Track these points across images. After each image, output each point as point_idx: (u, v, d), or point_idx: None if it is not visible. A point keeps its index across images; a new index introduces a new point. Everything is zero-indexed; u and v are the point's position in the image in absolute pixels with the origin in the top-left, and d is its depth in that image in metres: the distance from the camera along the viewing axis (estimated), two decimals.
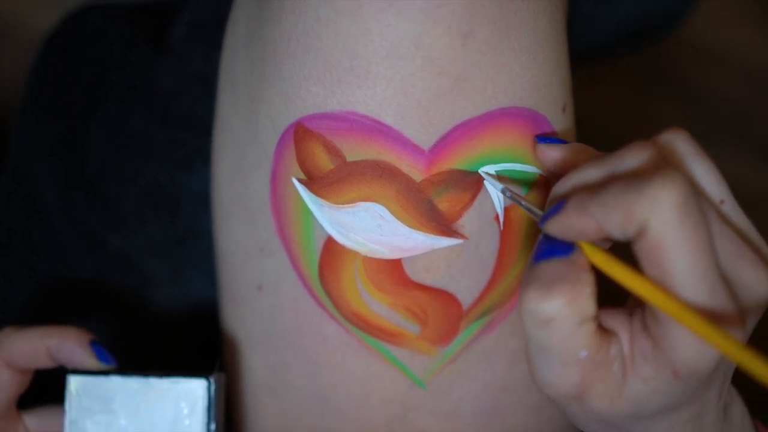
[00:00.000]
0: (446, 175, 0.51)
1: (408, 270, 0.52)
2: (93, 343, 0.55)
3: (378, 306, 0.53)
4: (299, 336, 0.56)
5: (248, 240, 0.56)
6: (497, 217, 0.52)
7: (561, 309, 0.43)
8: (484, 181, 0.51)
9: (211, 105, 0.62)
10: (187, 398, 0.55)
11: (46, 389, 0.58)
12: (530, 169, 0.52)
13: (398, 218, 0.51)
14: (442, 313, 0.53)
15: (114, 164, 0.67)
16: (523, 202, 0.49)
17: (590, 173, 0.46)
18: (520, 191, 0.52)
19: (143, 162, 0.67)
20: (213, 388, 0.55)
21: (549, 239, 0.45)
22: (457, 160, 0.51)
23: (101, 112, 0.68)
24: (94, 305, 0.67)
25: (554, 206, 0.45)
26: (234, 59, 0.56)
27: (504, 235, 0.53)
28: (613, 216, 0.42)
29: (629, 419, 0.45)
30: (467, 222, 0.52)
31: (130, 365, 0.58)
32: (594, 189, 0.44)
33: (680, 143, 0.46)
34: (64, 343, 0.55)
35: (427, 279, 0.53)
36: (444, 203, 0.51)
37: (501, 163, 0.51)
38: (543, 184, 0.53)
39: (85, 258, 0.67)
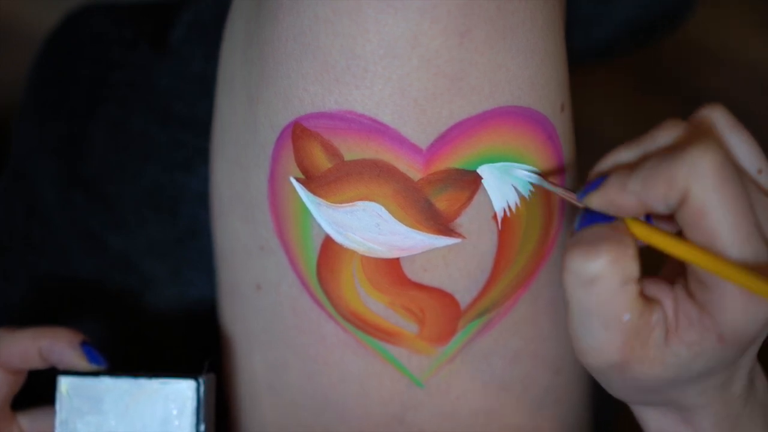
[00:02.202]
0: (444, 174, 0.51)
1: (406, 269, 0.52)
2: (84, 344, 0.55)
3: (376, 305, 0.53)
4: (298, 335, 0.56)
5: (247, 239, 0.56)
6: (495, 216, 0.52)
7: (606, 267, 0.43)
8: (482, 181, 0.51)
9: (211, 105, 0.62)
10: (176, 399, 0.55)
11: (42, 389, 0.58)
12: (528, 168, 0.52)
13: (396, 217, 0.51)
14: (440, 312, 0.53)
15: (114, 164, 0.67)
16: (556, 187, 0.50)
17: (626, 153, 0.47)
18: (517, 199, 0.52)
19: (143, 162, 0.67)
20: (202, 389, 0.55)
21: (588, 214, 0.46)
22: (455, 159, 0.51)
23: (101, 112, 0.68)
24: (94, 305, 0.68)
25: (593, 181, 0.46)
26: (232, 59, 0.56)
27: (502, 235, 0.53)
28: (654, 188, 0.43)
29: (667, 384, 0.46)
30: (465, 221, 0.52)
31: (128, 365, 0.58)
32: (632, 165, 0.45)
33: (716, 116, 0.47)
34: (55, 344, 0.55)
35: (425, 278, 0.53)
36: (442, 202, 0.51)
37: (499, 162, 0.51)
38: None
39: (85, 258, 0.67)
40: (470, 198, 0.51)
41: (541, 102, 0.52)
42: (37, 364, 0.55)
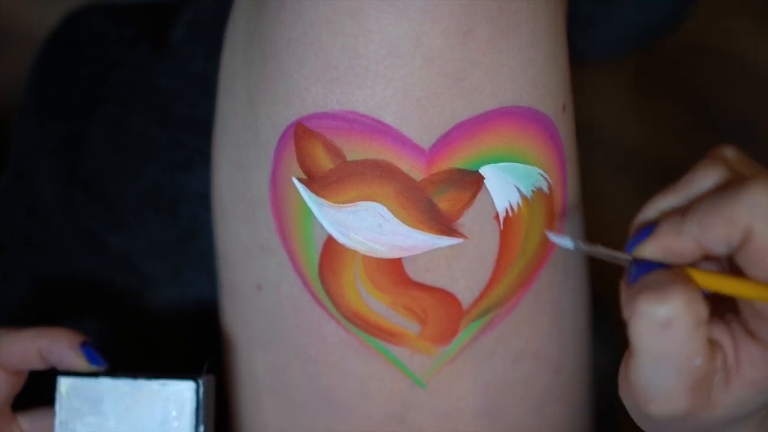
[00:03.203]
0: (446, 175, 0.51)
1: (408, 269, 0.53)
2: (84, 345, 0.55)
3: (378, 305, 0.53)
4: (299, 335, 0.56)
5: (248, 239, 0.56)
6: (497, 216, 0.52)
7: (680, 309, 0.42)
8: (485, 181, 0.51)
9: (211, 105, 0.62)
10: (175, 400, 0.55)
11: (43, 390, 0.58)
12: (531, 168, 0.52)
13: (398, 217, 0.51)
14: (442, 312, 0.53)
15: (114, 164, 0.67)
16: (604, 249, 0.48)
17: (669, 200, 0.47)
18: (519, 198, 0.52)
19: (143, 162, 0.67)
20: (201, 390, 0.55)
21: (640, 265, 0.45)
22: (457, 160, 0.51)
23: (101, 112, 0.68)
24: (94, 305, 0.68)
25: (642, 230, 0.46)
26: (233, 60, 0.56)
27: (504, 235, 0.53)
28: (713, 229, 0.43)
29: (721, 424, 0.46)
30: (467, 221, 0.52)
31: (128, 366, 0.58)
32: (682, 211, 0.45)
33: (733, 155, 0.47)
34: (55, 345, 0.55)
35: (427, 278, 0.53)
36: (444, 202, 0.51)
37: (501, 162, 0.51)
38: (546, 186, 0.53)
39: (85, 258, 0.67)
40: (472, 198, 0.52)
41: (543, 102, 0.52)
42: (36, 364, 0.55)
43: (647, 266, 0.45)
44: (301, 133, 0.51)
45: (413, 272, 0.53)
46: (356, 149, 0.51)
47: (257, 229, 0.55)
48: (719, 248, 0.43)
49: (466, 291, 0.53)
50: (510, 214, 0.52)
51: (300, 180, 0.52)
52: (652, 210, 0.47)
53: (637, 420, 0.47)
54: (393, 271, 0.53)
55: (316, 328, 0.55)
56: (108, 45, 0.70)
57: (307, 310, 0.55)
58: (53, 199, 0.68)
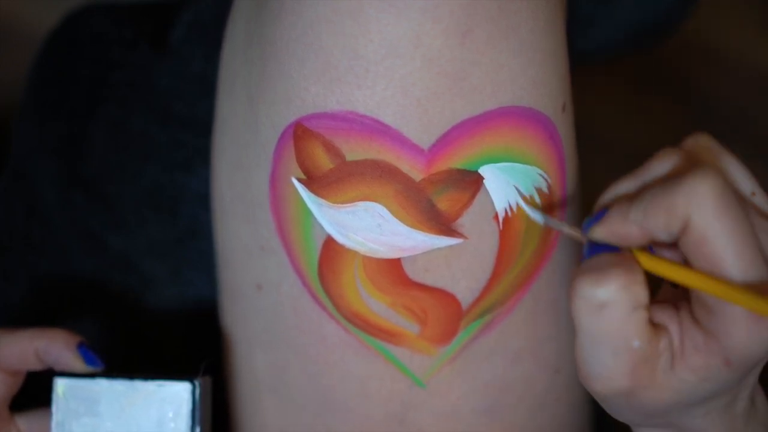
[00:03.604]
0: (446, 175, 0.51)
1: (408, 269, 0.53)
2: (81, 346, 0.55)
3: (377, 305, 0.53)
4: (299, 335, 0.56)
5: (248, 239, 0.56)
6: (497, 216, 0.52)
7: (616, 293, 0.44)
8: (484, 182, 0.51)
9: (211, 105, 0.62)
10: (172, 401, 0.55)
11: (42, 391, 0.58)
12: (531, 168, 0.52)
13: (398, 218, 0.51)
14: (442, 312, 0.53)
15: (114, 164, 0.67)
16: (565, 228, 0.50)
17: (625, 185, 0.48)
18: (518, 198, 0.52)
19: (143, 162, 0.67)
20: (198, 391, 0.55)
21: (592, 246, 0.47)
22: (456, 160, 0.51)
23: (101, 112, 0.68)
24: (94, 305, 0.68)
25: (596, 214, 0.47)
26: (233, 60, 0.56)
27: (503, 235, 0.53)
28: (655, 216, 0.44)
29: (673, 408, 0.46)
30: (467, 221, 0.52)
31: (128, 365, 0.58)
32: (633, 197, 0.46)
33: (704, 144, 0.48)
34: (52, 346, 0.55)
35: (426, 278, 0.53)
36: (444, 203, 0.51)
37: (501, 162, 0.51)
38: (546, 186, 0.53)
39: (85, 258, 0.67)
40: (472, 198, 0.52)
41: (543, 102, 0.52)
42: (34, 365, 0.55)
43: (599, 249, 0.47)
44: (300, 133, 0.51)
45: (413, 272, 0.53)
46: (356, 149, 0.51)
47: (257, 229, 0.55)
48: (661, 235, 0.44)
49: (465, 291, 0.53)
50: (509, 214, 0.52)
51: (299, 180, 0.52)
52: (608, 195, 0.48)
53: (593, 396, 0.48)
54: (392, 272, 0.53)
55: (315, 328, 0.55)
56: (108, 45, 0.70)
57: (306, 310, 0.55)
58: (53, 199, 0.68)
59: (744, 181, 0.48)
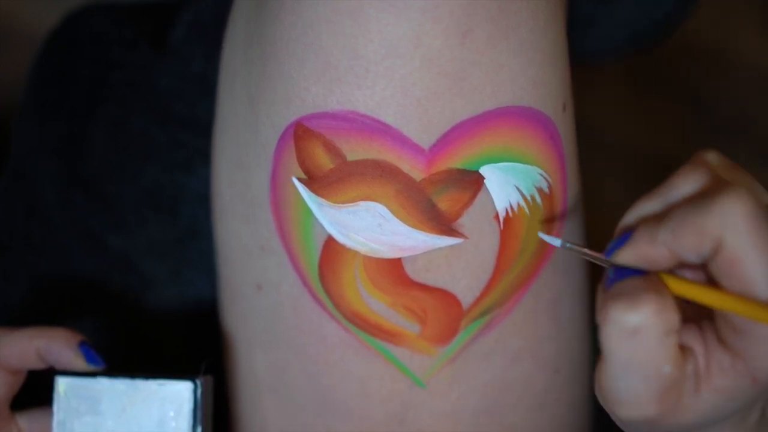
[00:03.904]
0: (446, 175, 0.51)
1: (408, 269, 0.53)
2: (82, 345, 0.55)
3: (378, 305, 0.53)
4: (298, 335, 0.56)
5: (248, 239, 0.56)
6: (497, 216, 0.52)
7: (649, 318, 0.43)
8: (485, 181, 0.51)
9: (211, 105, 0.62)
10: (173, 401, 0.55)
11: (43, 390, 0.58)
12: (531, 168, 0.52)
13: (398, 217, 0.51)
14: (442, 312, 0.53)
15: (114, 164, 0.67)
16: (586, 251, 0.49)
17: (648, 205, 0.47)
18: (519, 198, 0.52)
19: (143, 162, 0.67)
20: (199, 390, 0.55)
21: (618, 270, 0.46)
22: (457, 160, 0.51)
23: (101, 112, 0.68)
24: (94, 305, 0.68)
25: (620, 237, 0.46)
26: (233, 60, 0.56)
27: (504, 234, 0.53)
28: (685, 238, 0.43)
29: (691, 428, 0.46)
30: (467, 221, 0.52)
31: (128, 365, 0.58)
32: (659, 218, 0.45)
33: (715, 160, 0.47)
34: (52, 344, 0.55)
35: (427, 278, 0.53)
36: (444, 202, 0.51)
37: (501, 162, 0.51)
38: (547, 186, 0.53)
39: (85, 258, 0.67)
40: (472, 198, 0.52)
41: (543, 102, 0.52)
42: (35, 364, 0.55)
43: (624, 272, 0.45)
44: (301, 133, 0.51)
45: (413, 272, 0.53)
46: (356, 149, 0.51)
47: (257, 229, 0.55)
48: (691, 257, 0.44)
49: (466, 291, 0.53)
50: (510, 214, 0.52)
51: (300, 180, 0.52)
52: (631, 216, 0.47)
53: (614, 418, 0.47)
54: (393, 271, 0.53)
55: (316, 328, 0.55)
56: (108, 45, 0.70)
57: (307, 310, 0.55)
58: (53, 199, 0.68)
59: (764, 195, 0.46)
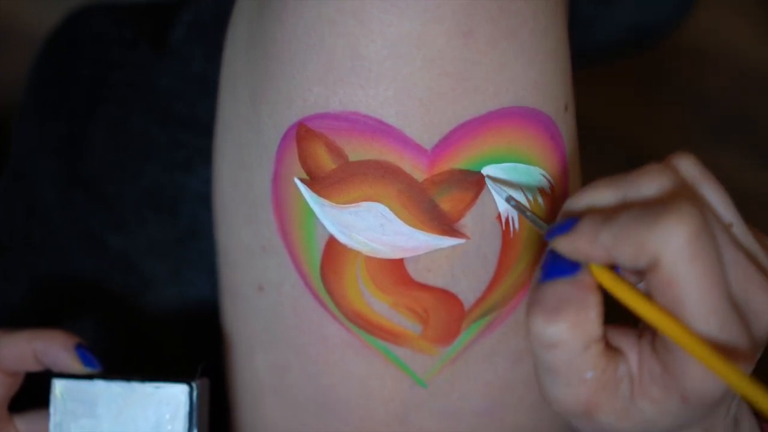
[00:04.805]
0: (448, 175, 0.51)
1: (410, 270, 0.53)
2: (78, 347, 0.55)
3: (380, 305, 0.53)
4: (299, 335, 0.56)
5: (250, 239, 0.56)
6: (499, 216, 0.52)
7: (566, 332, 0.43)
8: (486, 183, 0.51)
9: (211, 105, 0.62)
10: (169, 403, 0.55)
11: (41, 392, 0.58)
12: (533, 168, 0.52)
13: (400, 218, 0.51)
14: (444, 312, 0.54)
15: (114, 164, 0.67)
16: (528, 213, 0.49)
17: (604, 194, 0.46)
18: (523, 200, 0.52)
19: (143, 162, 0.67)
20: (195, 393, 0.55)
21: (555, 255, 0.46)
22: (459, 160, 0.51)
23: (101, 112, 0.68)
24: (94, 305, 0.68)
25: (564, 223, 0.45)
26: (235, 60, 0.56)
27: (506, 235, 0.53)
28: (624, 247, 0.42)
29: None
30: (469, 222, 0.52)
31: (128, 365, 0.58)
32: (607, 214, 0.44)
33: (687, 167, 0.46)
34: (49, 347, 0.55)
35: (429, 278, 0.53)
36: (446, 203, 0.51)
37: (503, 163, 0.51)
38: (548, 186, 0.53)
39: (85, 258, 0.67)
40: (474, 199, 0.52)
41: (545, 102, 0.52)
42: (32, 366, 0.55)
43: (557, 264, 0.45)
44: (303, 133, 0.51)
45: (415, 272, 0.53)
46: (358, 150, 0.51)
47: (258, 229, 0.55)
48: (626, 265, 0.43)
49: (467, 291, 0.53)
50: (512, 214, 0.53)
51: (302, 180, 0.52)
52: (582, 201, 0.46)
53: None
54: (395, 272, 0.53)
55: (317, 328, 0.55)
56: (108, 45, 0.70)
57: (308, 311, 0.55)
58: (53, 199, 0.68)
59: (722, 209, 0.46)
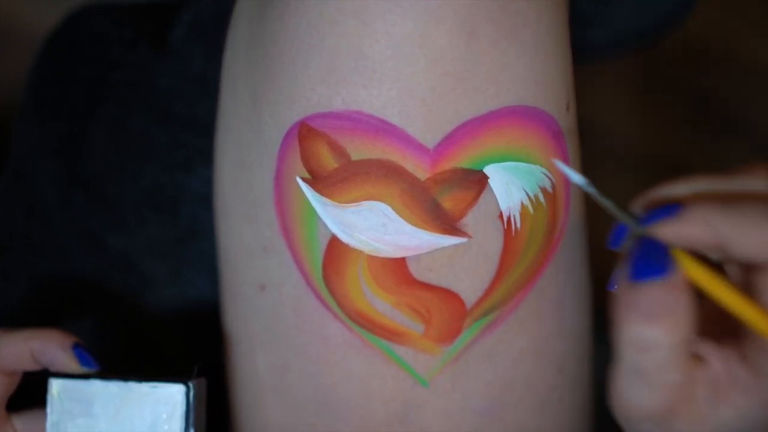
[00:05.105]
0: (450, 174, 0.51)
1: (412, 269, 0.53)
2: (76, 346, 0.55)
3: (382, 305, 0.53)
4: (299, 335, 0.56)
5: (251, 239, 0.56)
6: (501, 215, 0.52)
7: (663, 337, 0.42)
8: (489, 181, 0.51)
9: (211, 105, 0.62)
10: (166, 403, 0.55)
11: (38, 391, 0.58)
12: (535, 167, 0.52)
13: (402, 217, 0.51)
14: (446, 311, 0.53)
15: (114, 164, 0.67)
16: (607, 201, 0.45)
17: (706, 183, 0.44)
18: (525, 198, 0.52)
19: (143, 162, 0.67)
20: (191, 393, 0.55)
21: (644, 248, 0.43)
22: (461, 159, 0.51)
23: (101, 112, 0.68)
24: (94, 305, 0.67)
25: (668, 207, 0.43)
26: (236, 60, 0.56)
27: (508, 234, 0.53)
28: (748, 238, 0.41)
29: None
30: (471, 221, 0.52)
31: (128, 365, 0.58)
32: (722, 201, 0.42)
33: None
34: (46, 346, 0.55)
35: (430, 278, 0.53)
36: (448, 202, 0.51)
37: (505, 162, 0.51)
38: (550, 185, 0.53)
39: (85, 258, 0.67)
40: (476, 198, 0.52)
41: (547, 101, 0.52)
42: (29, 365, 0.55)
43: (647, 262, 0.43)
44: (305, 132, 0.51)
45: (417, 272, 0.53)
46: (360, 149, 0.51)
47: (260, 229, 0.55)
48: (743, 257, 0.42)
49: (469, 290, 0.53)
50: (514, 213, 0.53)
51: (304, 179, 0.52)
52: (684, 187, 0.44)
53: (624, 423, 0.47)
54: (397, 271, 0.53)
55: (318, 328, 0.55)
56: (108, 45, 0.70)
57: (309, 310, 0.55)
58: (53, 199, 0.68)
59: None
